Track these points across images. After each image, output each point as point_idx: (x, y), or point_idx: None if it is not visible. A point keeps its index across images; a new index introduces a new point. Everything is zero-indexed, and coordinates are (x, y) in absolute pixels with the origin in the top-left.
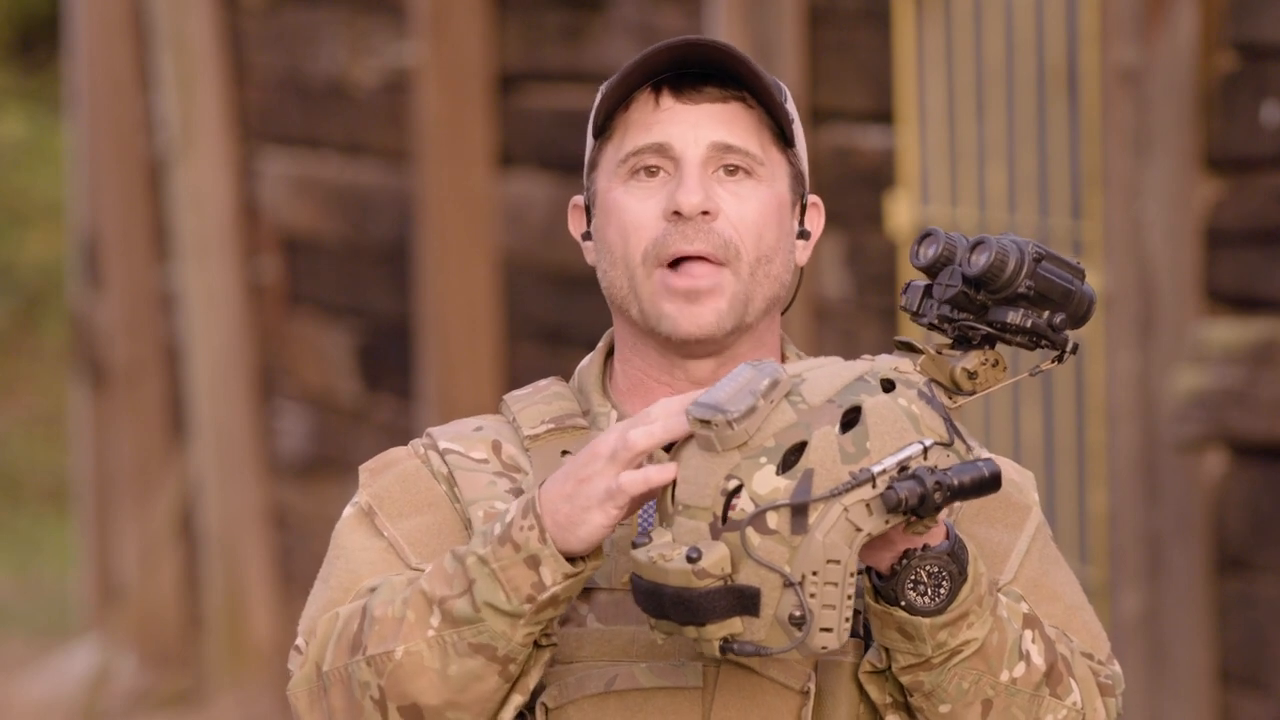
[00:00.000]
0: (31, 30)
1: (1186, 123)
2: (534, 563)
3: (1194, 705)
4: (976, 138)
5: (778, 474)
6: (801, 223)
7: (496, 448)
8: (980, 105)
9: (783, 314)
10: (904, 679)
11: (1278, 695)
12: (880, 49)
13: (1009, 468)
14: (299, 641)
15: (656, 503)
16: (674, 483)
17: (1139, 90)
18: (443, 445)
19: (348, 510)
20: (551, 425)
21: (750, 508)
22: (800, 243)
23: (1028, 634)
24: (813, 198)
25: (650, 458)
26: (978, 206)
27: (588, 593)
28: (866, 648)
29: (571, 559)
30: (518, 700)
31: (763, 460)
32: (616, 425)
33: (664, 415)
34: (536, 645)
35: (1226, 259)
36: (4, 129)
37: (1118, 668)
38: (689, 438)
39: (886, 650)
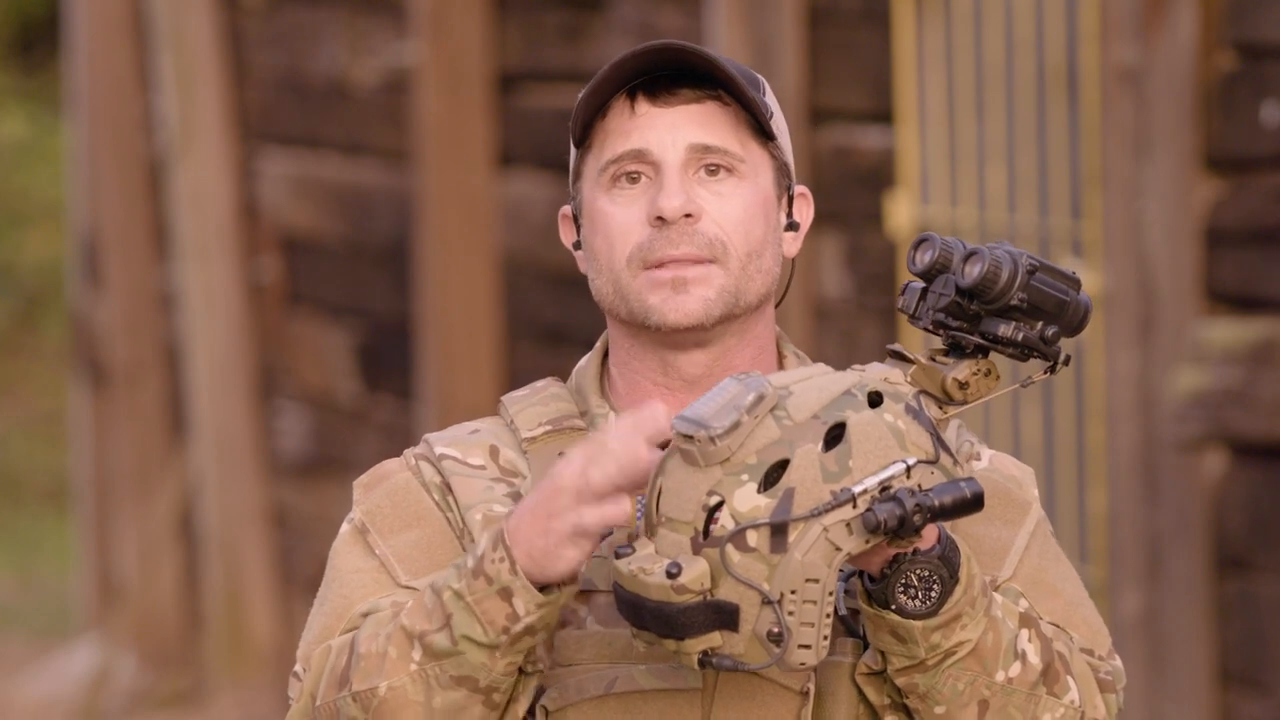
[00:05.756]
0: (31, 30)
1: (1186, 123)
2: (506, 595)
3: (1194, 705)
4: (976, 138)
5: (759, 492)
6: (790, 214)
7: (494, 452)
8: (980, 105)
9: (776, 306)
10: (899, 681)
11: (1278, 695)
12: (880, 49)
13: (1008, 463)
14: (297, 668)
15: (644, 510)
16: (660, 492)
17: (1139, 90)
18: (439, 451)
19: (344, 527)
20: (549, 427)
21: (731, 524)
22: (789, 234)
23: (1024, 633)
24: (800, 188)
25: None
26: (978, 206)
27: (587, 595)
28: (866, 648)
29: (545, 587)
30: None
31: (744, 477)
32: (575, 456)
33: (620, 448)
34: (522, 672)
35: (1226, 259)
36: (4, 129)
37: (1118, 663)
38: (675, 448)
39: (882, 652)
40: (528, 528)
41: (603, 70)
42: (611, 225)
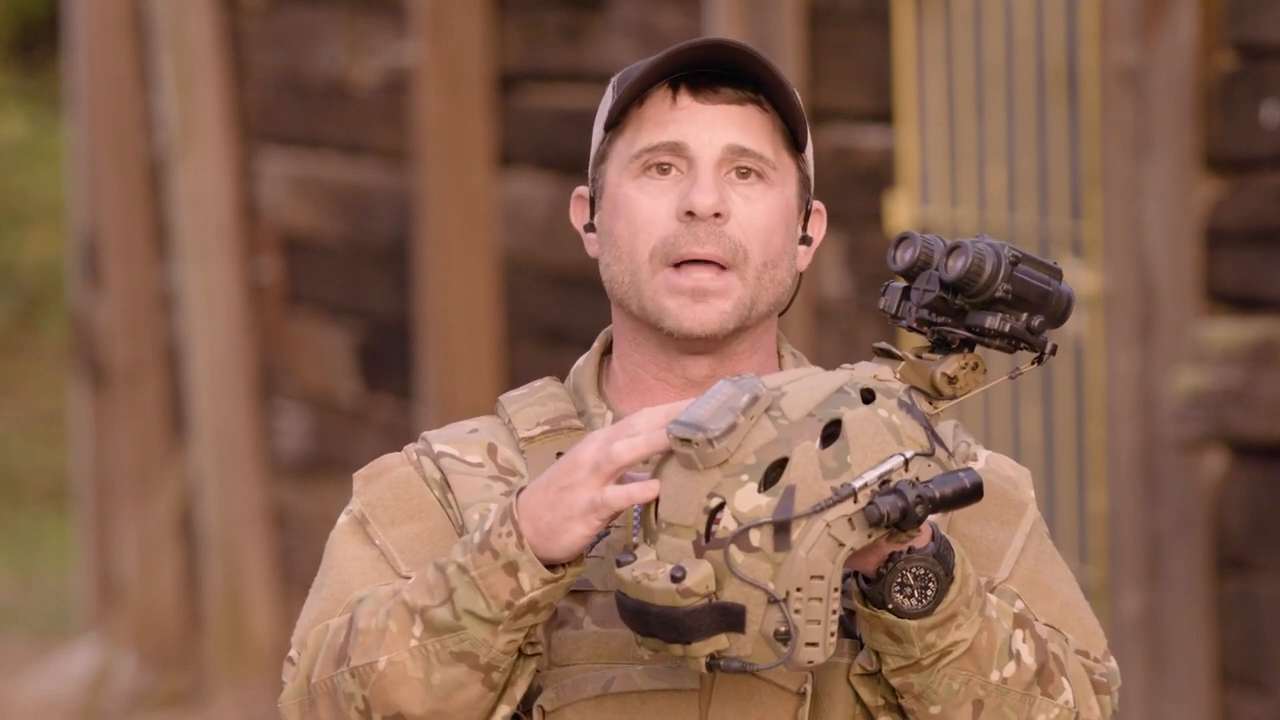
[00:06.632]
0: (31, 30)
1: (1186, 123)
2: (512, 569)
3: (1194, 705)
4: (976, 138)
5: (760, 491)
6: (805, 228)
7: (492, 451)
8: (980, 105)
9: (780, 315)
10: (894, 681)
11: (1278, 695)
12: (880, 49)
13: (1005, 464)
14: (292, 653)
15: (640, 518)
16: (657, 499)
17: (1139, 90)
18: (437, 449)
19: (342, 519)
20: (547, 427)
21: (733, 525)
22: (802, 248)
23: (1018, 633)
24: (816, 204)
25: (645, 462)
26: (978, 206)
27: (583, 595)
28: (861, 649)
29: (551, 565)
30: (505, 711)
31: (744, 478)
32: (598, 433)
33: (647, 427)
34: (522, 654)
35: (1226, 259)
36: (4, 129)
37: (1114, 664)
38: (670, 454)
39: (877, 653)
40: (537, 501)
41: (656, 57)
42: (637, 214)
